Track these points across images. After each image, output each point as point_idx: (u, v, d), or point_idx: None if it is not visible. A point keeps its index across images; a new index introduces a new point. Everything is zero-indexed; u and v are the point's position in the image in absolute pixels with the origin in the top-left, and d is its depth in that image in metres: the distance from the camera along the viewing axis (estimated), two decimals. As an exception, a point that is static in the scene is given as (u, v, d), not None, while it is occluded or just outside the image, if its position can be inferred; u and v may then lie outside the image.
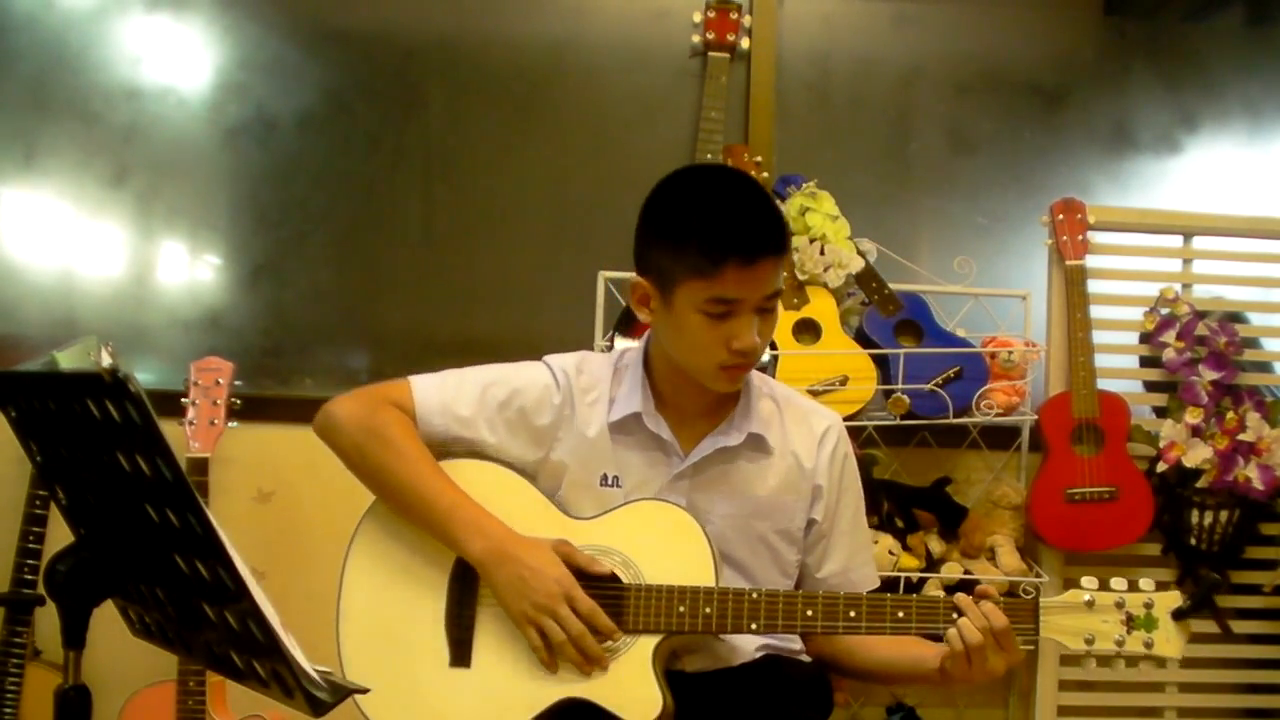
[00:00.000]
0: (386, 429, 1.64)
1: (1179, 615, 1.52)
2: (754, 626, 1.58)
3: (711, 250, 1.52)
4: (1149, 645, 1.52)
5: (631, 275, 1.66)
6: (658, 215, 1.62)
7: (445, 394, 1.69)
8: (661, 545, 1.61)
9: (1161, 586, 1.55)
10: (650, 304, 1.63)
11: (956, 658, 1.53)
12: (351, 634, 1.65)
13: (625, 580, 1.60)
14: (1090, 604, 1.53)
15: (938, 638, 1.57)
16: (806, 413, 1.78)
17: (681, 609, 1.57)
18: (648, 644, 1.57)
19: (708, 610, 1.57)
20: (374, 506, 1.69)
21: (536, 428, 1.69)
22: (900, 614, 1.56)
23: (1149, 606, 1.53)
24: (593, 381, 1.72)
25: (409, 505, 1.63)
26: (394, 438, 1.63)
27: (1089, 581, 1.55)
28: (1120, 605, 1.53)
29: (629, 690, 1.56)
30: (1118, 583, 1.54)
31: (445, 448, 1.69)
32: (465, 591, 1.63)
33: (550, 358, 1.75)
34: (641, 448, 1.69)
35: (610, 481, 1.68)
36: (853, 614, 1.57)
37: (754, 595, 1.58)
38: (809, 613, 1.57)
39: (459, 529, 1.59)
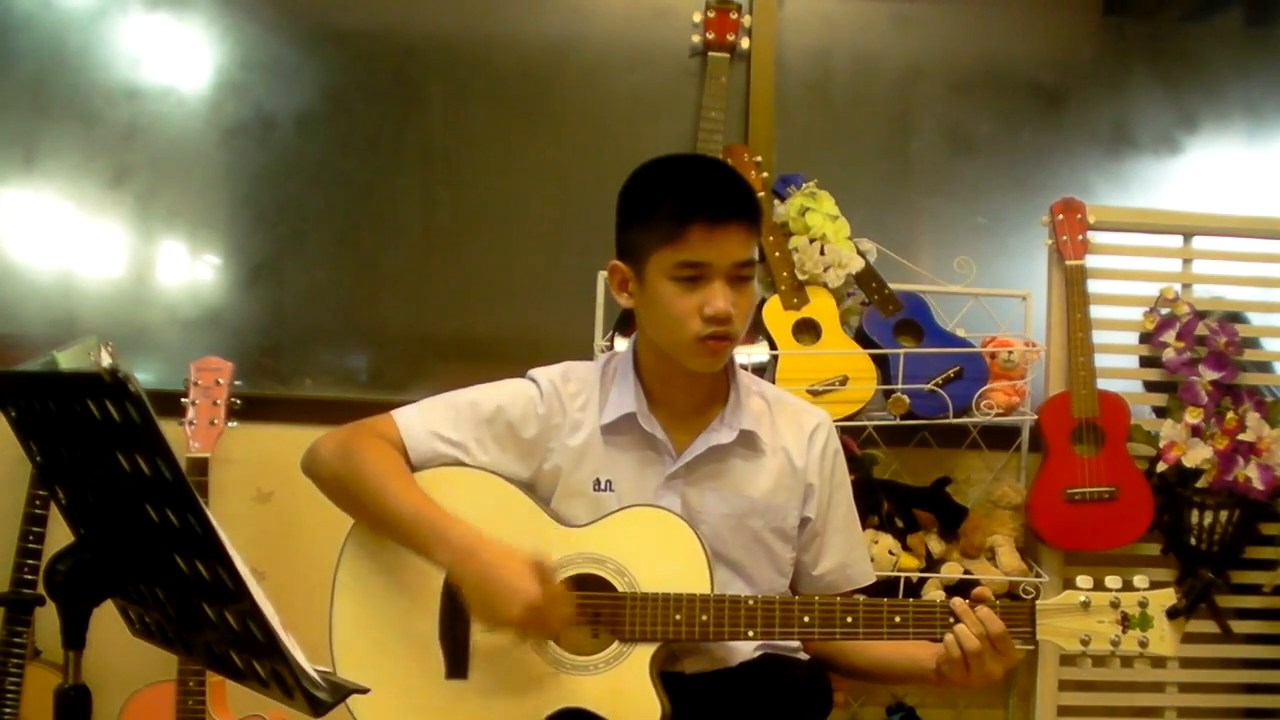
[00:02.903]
0: (361, 453, 1.63)
1: (1174, 614, 1.53)
2: (751, 633, 1.58)
3: (676, 214, 1.56)
4: (1144, 644, 1.53)
5: None
6: (629, 197, 1.65)
7: (429, 420, 1.68)
8: (656, 552, 1.60)
9: (1157, 584, 1.56)
10: (629, 286, 1.65)
11: (954, 663, 1.53)
12: (345, 648, 1.64)
13: (620, 589, 1.59)
14: (1086, 604, 1.54)
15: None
16: (796, 410, 1.78)
17: (678, 617, 1.56)
18: (645, 652, 1.57)
19: (704, 618, 1.57)
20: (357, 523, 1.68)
21: (525, 440, 1.68)
22: (897, 619, 1.56)
23: (1144, 605, 1.54)
24: (580, 387, 1.72)
25: (381, 521, 1.61)
26: (367, 459, 1.62)
27: (1084, 580, 1.56)
28: (1115, 605, 1.54)
29: (627, 698, 1.55)
30: (1113, 580, 1.55)
31: None
32: (457, 603, 1.60)
33: (534, 371, 1.74)
34: (634, 449, 1.68)
35: (603, 486, 1.67)
36: (850, 620, 1.57)
37: (750, 602, 1.58)
38: (806, 619, 1.57)
39: (425, 537, 1.55)
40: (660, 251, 1.58)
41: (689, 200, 1.56)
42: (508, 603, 1.48)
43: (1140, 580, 1.55)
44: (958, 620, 1.53)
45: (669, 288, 1.58)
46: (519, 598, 1.48)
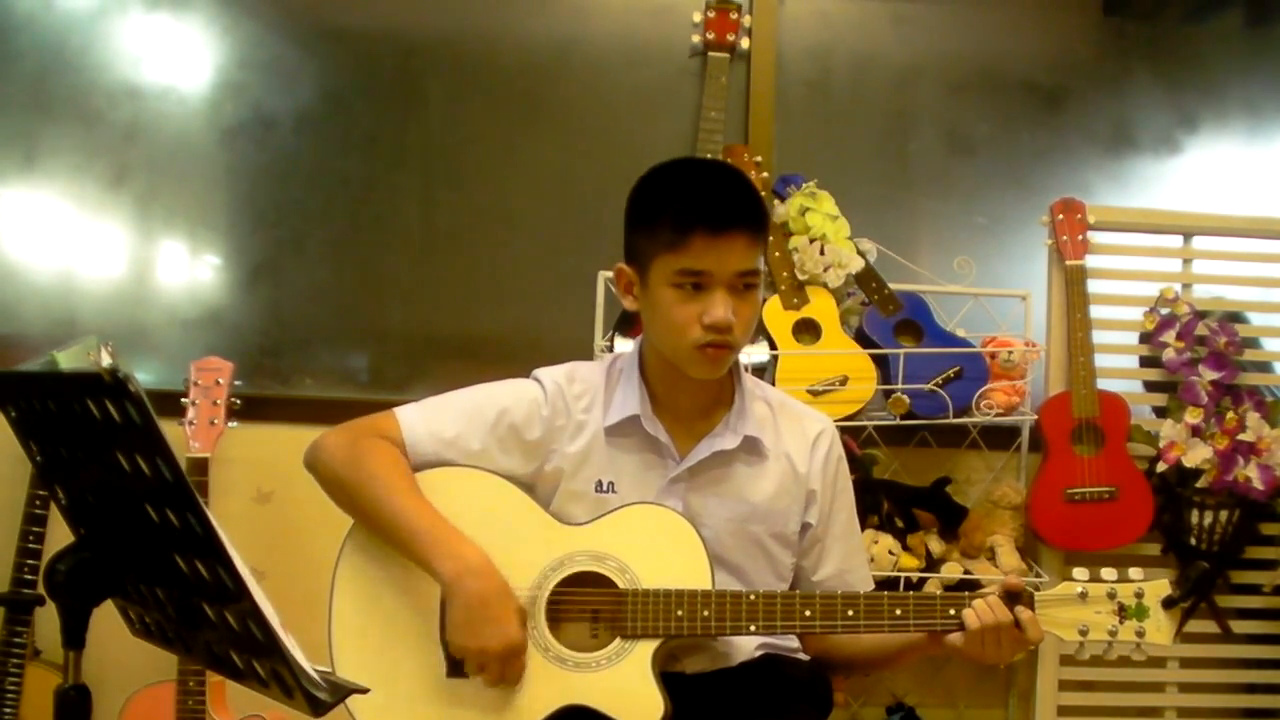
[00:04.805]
0: (367, 456, 1.63)
1: (1169, 603, 1.56)
2: (753, 628, 1.59)
3: (679, 221, 1.56)
4: (1141, 634, 1.56)
5: None
6: (636, 202, 1.65)
7: (432, 420, 1.68)
8: (657, 549, 1.60)
9: (1152, 574, 1.58)
10: (634, 290, 1.66)
11: (971, 636, 1.54)
12: (345, 648, 1.63)
13: (622, 586, 1.59)
14: (1084, 595, 1.57)
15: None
16: (799, 416, 1.78)
17: (680, 612, 1.57)
18: (647, 648, 1.57)
19: (705, 613, 1.57)
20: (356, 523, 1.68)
21: (528, 442, 1.68)
22: (898, 611, 1.58)
23: (1140, 596, 1.57)
24: (585, 388, 1.71)
25: (385, 527, 1.61)
26: (372, 463, 1.62)
27: (1080, 573, 1.58)
28: (1112, 596, 1.57)
29: (629, 695, 1.56)
30: (1108, 572, 1.57)
31: None
32: None
33: (539, 371, 1.74)
34: (637, 451, 1.68)
35: (605, 488, 1.67)
36: (851, 613, 1.58)
37: (751, 597, 1.59)
38: (807, 613, 1.58)
39: (430, 548, 1.56)
40: (662, 258, 1.58)
41: (691, 207, 1.56)
42: (492, 632, 1.52)
43: (1135, 572, 1.58)
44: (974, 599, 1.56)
45: (670, 294, 1.58)
46: (505, 635, 1.53)
